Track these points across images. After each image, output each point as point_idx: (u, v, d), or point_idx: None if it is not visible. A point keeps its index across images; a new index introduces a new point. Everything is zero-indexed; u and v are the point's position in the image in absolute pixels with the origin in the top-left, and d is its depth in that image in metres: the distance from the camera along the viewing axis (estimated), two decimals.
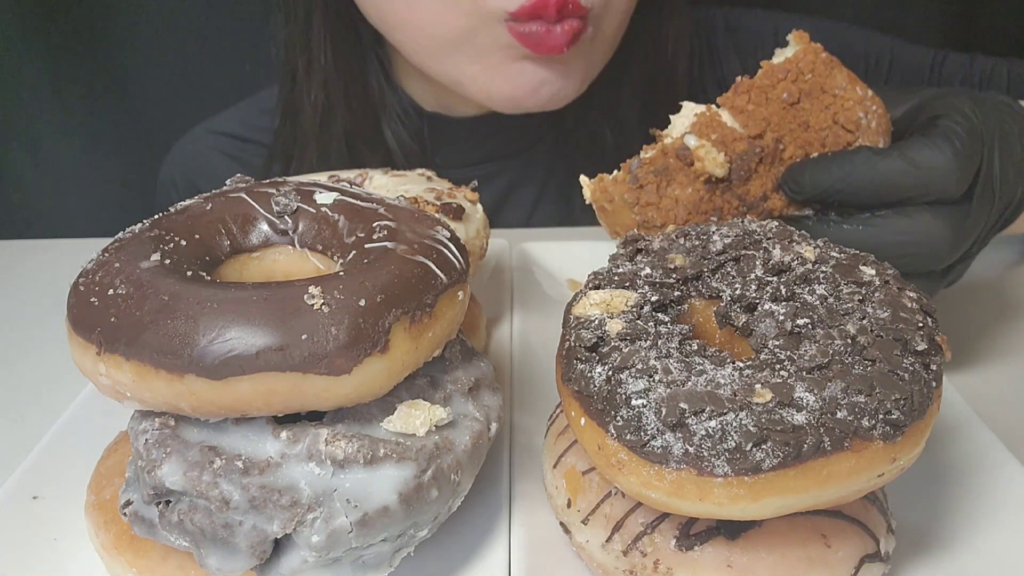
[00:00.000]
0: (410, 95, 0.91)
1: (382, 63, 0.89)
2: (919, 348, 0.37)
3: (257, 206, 0.44)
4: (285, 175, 0.91)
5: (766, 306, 0.40)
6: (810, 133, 0.55)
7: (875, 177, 0.51)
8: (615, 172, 0.57)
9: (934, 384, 0.37)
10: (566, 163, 0.95)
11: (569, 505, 0.42)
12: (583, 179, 0.58)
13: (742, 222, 0.47)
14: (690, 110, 0.57)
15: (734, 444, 0.33)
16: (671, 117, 0.58)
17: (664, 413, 0.34)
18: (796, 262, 0.42)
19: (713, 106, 0.56)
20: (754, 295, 0.41)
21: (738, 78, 0.57)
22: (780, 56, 0.58)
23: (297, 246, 0.44)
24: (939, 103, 0.54)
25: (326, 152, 0.89)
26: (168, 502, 0.36)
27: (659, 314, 0.41)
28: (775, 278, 0.42)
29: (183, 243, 0.40)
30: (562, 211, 0.97)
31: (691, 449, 0.34)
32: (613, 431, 0.36)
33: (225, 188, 0.46)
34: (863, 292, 0.40)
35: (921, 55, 0.94)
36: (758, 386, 0.35)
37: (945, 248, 0.52)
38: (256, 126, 0.98)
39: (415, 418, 0.38)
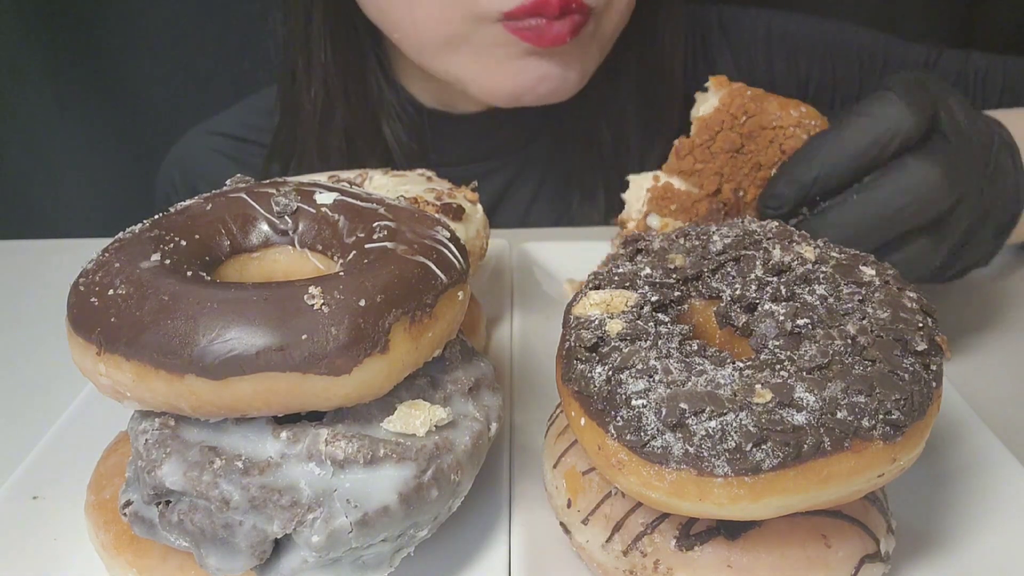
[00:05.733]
0: (409, 92, 0.91)
1: (381, 61, 0.89)
2: (919, 348, 0.37)
3: (257, 206, 0.44)
4: (284, 174, 0.91)
5: (766, 306, 0.40)
6: (764, 171, 0.56)
7: (845, 148, 0.52)
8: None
9: (934, 384, 0.37)
10: (563, 160, 0.95)
11: (569, 505, 0.42)
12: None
13: (742, 222, 0.47)
14: (639, 184, 0.58)
15: (734, 444, 0.33)
16: (623, 196, 0.59)
17: (664, 413, 0.34)
18: (796, 262, 0.42)
19: (659, 174, 0.57)
20: (754, 295, 0.41)
21: (675, 142, 0.57)
22: (704, 103, 0.57)
23: (297, 246, 0.44)
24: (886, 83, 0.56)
25: (325, 150, 0.89)
26: (168, 502, 0.36)
27: (659, 314, 0.41)
28: (775, 278, 0.42)
29: (183, 243, 0.40)
30: (559, 208, 0.97)
31: (691, 449, 0.34)
32: (613, 431, 0.36)
33: (225, 188, 0.46)
34: (863, 292, 0.40)
35: (916, 53, 0.94)
36: (758, 386, 0.35)
37: (942, 186, 0.52)
38: (255, 126, 0.98)
39: (415, 418, 0.38)
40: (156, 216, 0.43)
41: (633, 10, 0.80)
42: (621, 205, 0.64)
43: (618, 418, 0.36)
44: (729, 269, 0.43)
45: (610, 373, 0.37)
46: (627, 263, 0.45)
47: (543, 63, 0.75)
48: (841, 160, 0.52)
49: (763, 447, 0.33)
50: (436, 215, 0.48)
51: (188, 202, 0.44)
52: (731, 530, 0.38)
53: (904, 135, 0.52)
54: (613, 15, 0.77)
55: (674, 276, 0.43)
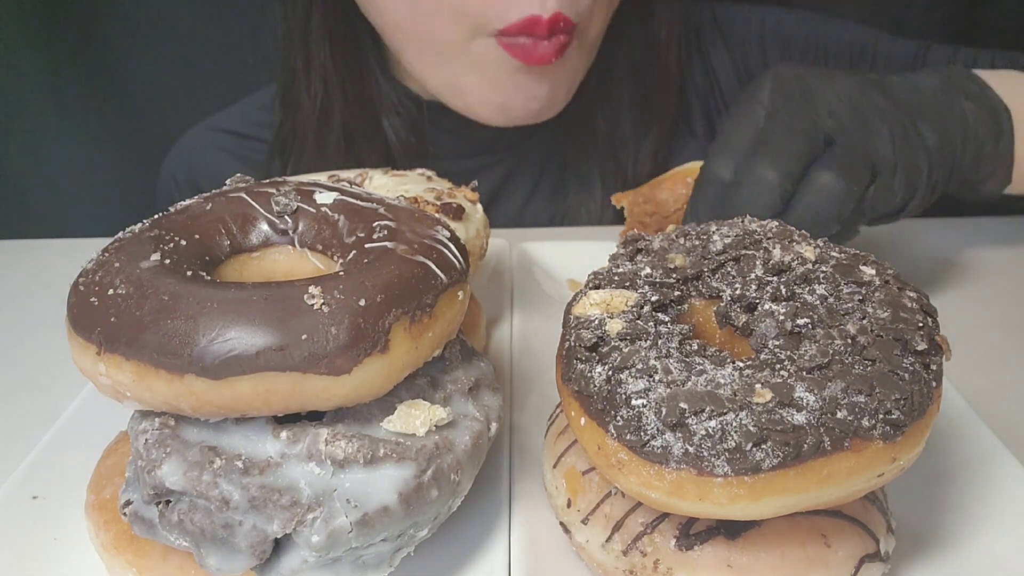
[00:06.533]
0: (408, 86, 0.92)
1: (380, 57, 0.90)
2: (919, 348, 0.37)
3: (257, 206, 0.44)
4: (285, 171, 0.92)
5: (766, 306, 0.40)
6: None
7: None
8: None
9: (934, 384, 0.37)
10: (559, 153, 0.96)
11: (569, 505, 0.42)
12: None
13: (742, 222, 0.47)
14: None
15: (734, 444, 0.33)
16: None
17: (664, 413, 0.34)
18: (796, 262, 0.42)
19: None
20: (754, 295, 0.41)
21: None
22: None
23: (297, 246, 0.44)
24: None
25: (324, 147, 0.89)
26: (168, 502, 0.36)
27: (659, 314, 0.41)
28: (775, 278, 0.42)
29: (183, 243, 0.40)
30: (557, 199, 0.97)
31: (691, 449, 0.34)
32: (613, 431, 0.36)
33: (225, 188, 0.46)
34: (863, 292, 0.40)
35: (905, 47, 0.95)
36: (758, 386, 0.35)
37: (843, 189, 0.57)
38: (257, 122, 0.99)
39: (415, 418, 0.38)
40: (156, 216, 0.43)
41: (629, 5, 0.81)
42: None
43: (618, 418, 0.36)
44: (729, 269, 0.43)
45: (610, 373, 0.37)
46: (627, 263, 0.45)
47: (533, 82, 0.78)
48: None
49: (763, 447, 0.33)
50: (436, 215, 0.48)
51: (188, 202, 0.44)
52: (731, 530, 0.38)
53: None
54: (593, 27, 0.79)
55: (674, 276, 0.43)
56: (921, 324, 0.38)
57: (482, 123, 0.83)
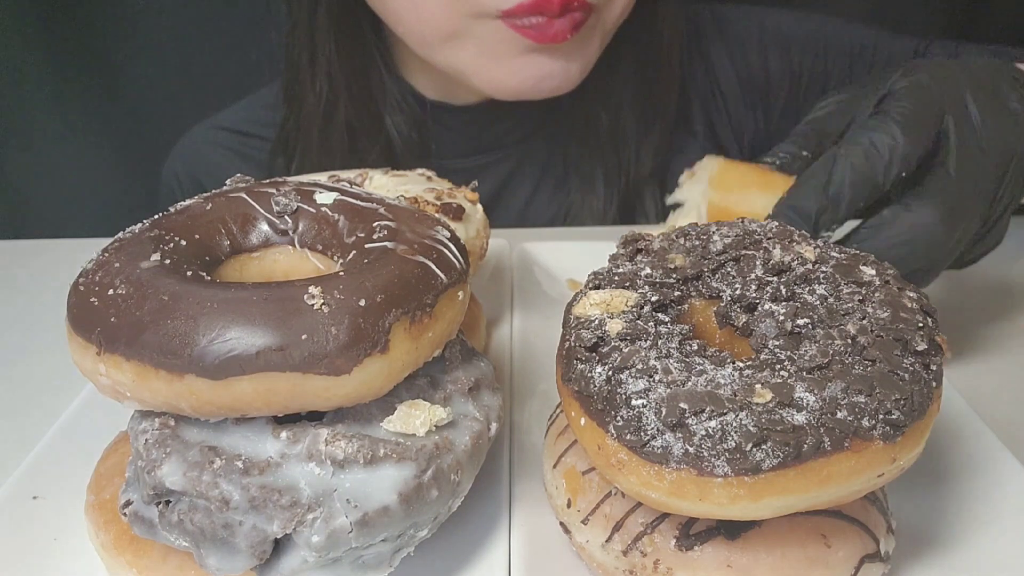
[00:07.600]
0: (412, 84, 0.92)
1: (384, 54, 0.90)
2: (919, 348, 0.37)
3: (257, 206, 0.44)
4: (288, 168, 0.92)
5: (766, 306, 0.40)
6: None
7: (837, 186, 0.51)
8: None
9: (934, 384, 0.37)
10: (562, 150, 0.96)
11: (569, 505, 0.42)
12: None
13: (742, 222, 0.47)
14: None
15: (734, 444, 0.33)
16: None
17: (664, 413, 0.34)
18: (796, 262, 0.42)
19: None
20: (754, 295, 0.41)
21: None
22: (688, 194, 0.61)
23: (297, 246, 0.44)
24: (895, 85, 0.54)
25: (327, 143, 0.89)
26: (168, 502, 0.36)
27: (659, 314, 0.41)
28: (775, 278, 0.42)
29: (183, 243, 0.40)
30: (559, 197, 0.97)
31: (691, 449, 0.34)
32: (613, 431, 0.36)
33: (225, 188, 0.46)
34: (863, 292, 0.40)
35: (905, 44, 0.95)
36: (758, 386, 0.35)
37: (938, 232, 0.51)
38: (259, 121, 0.99)
39: (415, 418, 0.38)
40: (156, 216, 0.43)
41: (633, 4, 0.81)
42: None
43: (618, 418, 0.36)
44: (729, 269, 0.43)
45: (610, 373, 0.37)
46: (627, 263, 0.45)
47: (544, 59, 0.76)
48: (832, 199, 0.51)
49: (763, 447, 0.33)
50: (436, 215, 0.48)
51: (188, 202, 0.44)
52: (731, 530, 0.38)
53: (901, 164, 0.51)
54: (614, 8, 0.78)
55: (674, 276, 0.43)
56: (921, 324, 0.38)
57: (486, 122, 0.83)
